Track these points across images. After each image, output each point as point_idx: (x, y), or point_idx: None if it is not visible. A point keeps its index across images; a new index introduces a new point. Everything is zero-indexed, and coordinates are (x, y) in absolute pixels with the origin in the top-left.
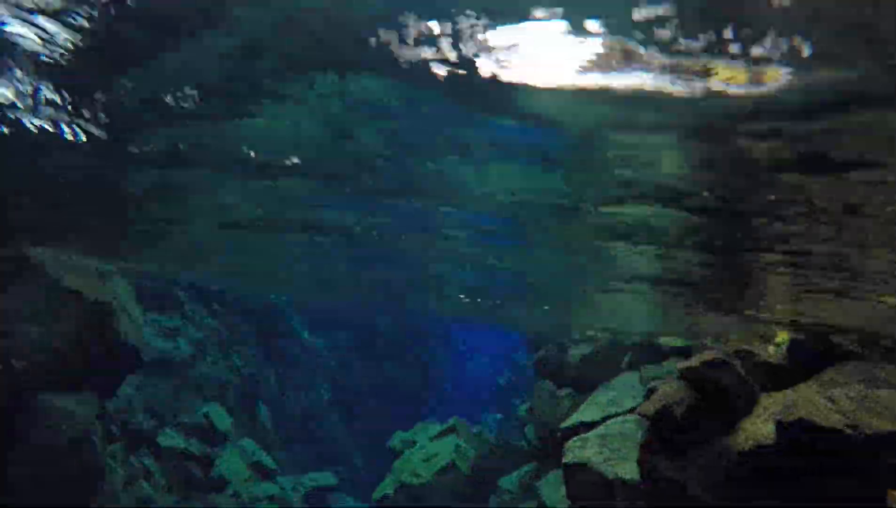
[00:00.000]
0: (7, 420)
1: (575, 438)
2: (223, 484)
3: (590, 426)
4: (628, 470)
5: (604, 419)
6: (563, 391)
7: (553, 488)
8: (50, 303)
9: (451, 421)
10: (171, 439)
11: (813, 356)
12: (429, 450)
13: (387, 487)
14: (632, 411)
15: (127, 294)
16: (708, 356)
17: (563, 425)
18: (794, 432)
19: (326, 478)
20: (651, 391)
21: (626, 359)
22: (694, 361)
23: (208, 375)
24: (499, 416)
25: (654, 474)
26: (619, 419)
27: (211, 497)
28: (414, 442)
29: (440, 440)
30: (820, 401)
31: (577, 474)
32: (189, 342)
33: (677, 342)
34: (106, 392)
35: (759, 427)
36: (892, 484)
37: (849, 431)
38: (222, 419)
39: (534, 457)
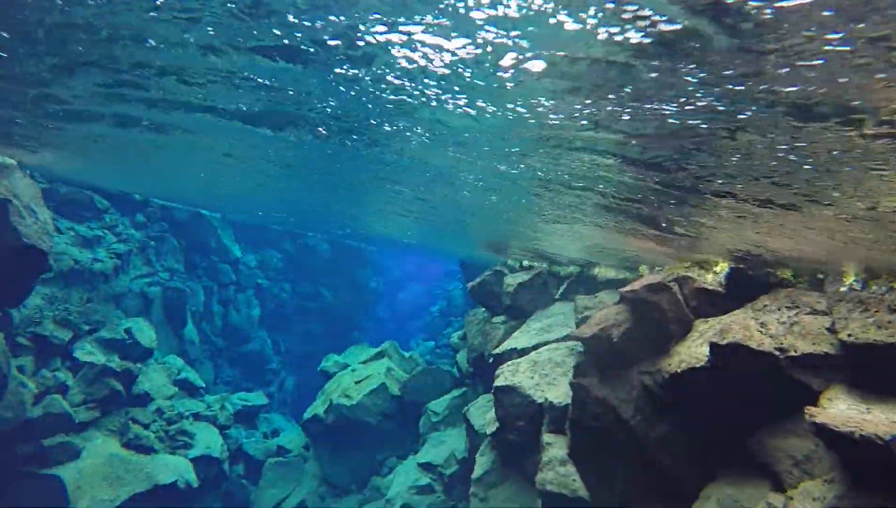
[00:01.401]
0: None
1: (508, 363)
2: (146, 401)
3: (522, 352)
4: (558, 395)
5: (536, 347)
6: (498, 319)
7: (481, 412)
8: None
9: (383, 345)
10: (89, 354)
11: (748, 283)
12: (360, 372)
13: (317, 407)
14: (565, 339)
15: (30, 193)
16: (649, 279)
17: (495, 351)
18: (726, 354)
19: (256, 397)
20: (585, 321)
21: (562, 289)
22: (635, 284)
23: (130, 288)
24: (430, 344)
25: (584, 395)
26: (552, 345)
27: (132, 413)
28: (346, 365)
29: (372, 362)
30: (752, 325)
31: (507, 397)
32: (109, 253)
33: (612, 274)
34: (9, 300)
35: (692, 350)
36: (812, 402)
37: (777, 353)
38: (146, 335)
39: (463, 383)
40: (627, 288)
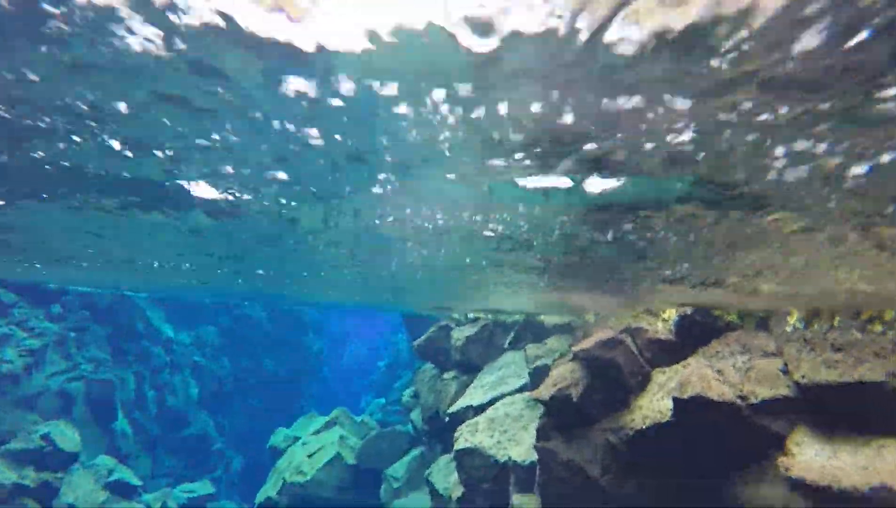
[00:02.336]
0: None
1: (467, 423)
2: None
3: (478, 409)
4: (520, 453)
5: (491, 402)
6: (449, 374)
7: (443, 474)
8: None
9: (333, 412)
10: None
11: (698, 329)
12: (312, 444)
13: (269, 490)
14: (520, 391)
15: None
16: (601, 335)
17: (451, 410)
18: (689, 407)
19: (202, 486)
20: (538, 371)
21: (510, 338)
22: (587, 342)
23: (48, 387)
24: (381, 401)
25: (550, 458)
26: (507, 400)
27: None
28: (296, 438)
29: (323, 432)
30: (710, 374)
31: (469, 459)
32: (19, 351)
33: (557, 319)
34: None
35: (654, 404)
36: (779, 447)
37: (738, 402)
38: (68, 438)
39: (420, 443)
40: (580, 346)
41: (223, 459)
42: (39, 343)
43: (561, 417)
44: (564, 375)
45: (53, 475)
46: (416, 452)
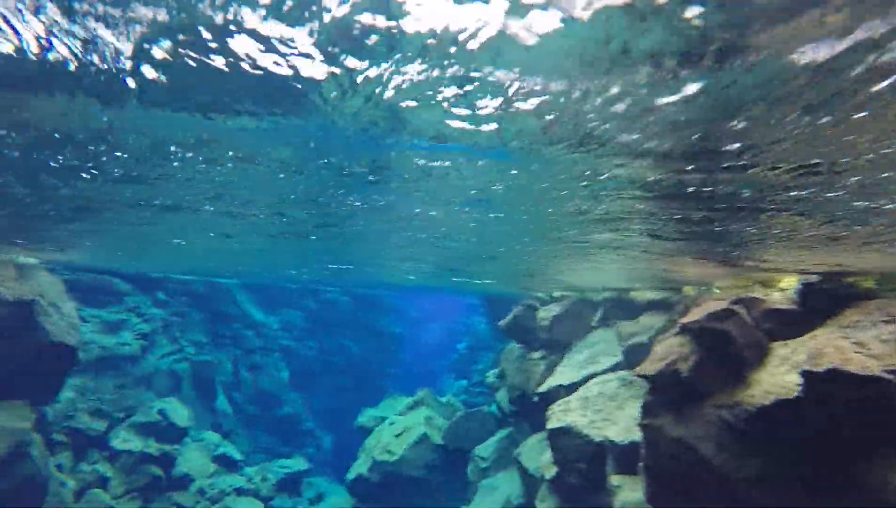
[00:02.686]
0: None
1: (558, 402)
2: (187, 483)
3: (569, 388)
4: (617, 432)
5: (583, 381)
6: (536, 354)
7: (533, 453)
8: None
9: (419, 393)
10: (125, 441)
11: (826, 298)
12: (399, 425)
13: (360, 466)
14: (612, 370)
15: (55, 290)
16: (712, 306)
17: (540, 390)
18: (822, 382)
19: (297, 463)
20: (633, 349)
21: (598, 316)
22: (696, 313)
23: (159, 368)
24: (464, 382)
25: (658, 436)
26: (599, 379)
27: (175, 498)
28: (383, 418)
29: (409, 413)
30: (847, 346)
31: (563, 439)
32: (135, 335)
33: (652, 296)
34: (42, 398)
35: (776, 379)
36: None
37: (888, 377)
38: (179, 414)
39: (506, 423)
40: (689, 319)
41: (314, 437)
42: (150, 328)
43: (669, 393)
44: (672, 349)
45: (170, 446)
46: (503, 432)
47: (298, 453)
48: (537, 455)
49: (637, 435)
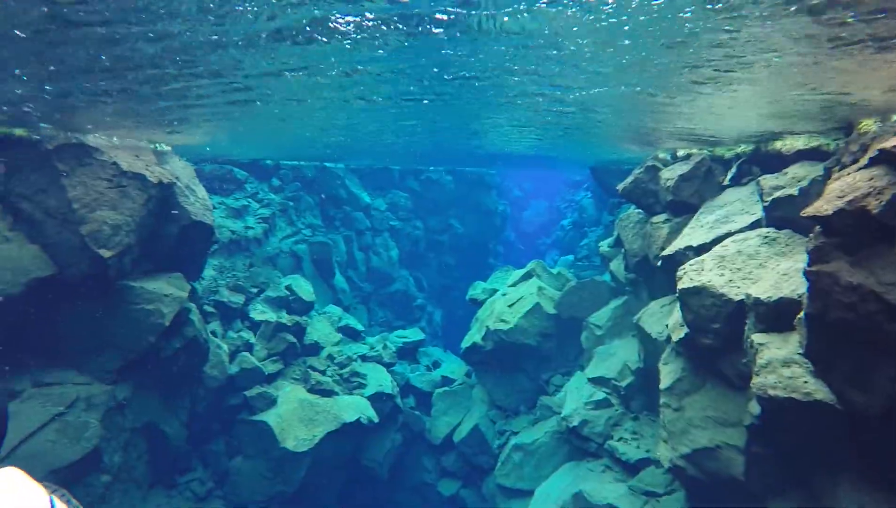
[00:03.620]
0: (110, 309)
1: (691, 262)
2: (317, 349)
3: (700, 249)
4: (763, 289)
5: (715, 241)
6: (659, 218)
7: (655, 318)
8: (116, 188)
9: (529, 265)
10: (262, 313)
11: None
12: (511, 296)
13: (474, 335)
14: (750, 228)
15: (187, 174)
16: None
17: (665, 252)
18: None
19: (414, 333)
20: (778, 203)
21: (731, 174)
22: None
23: (281, 249)
24: (570, 257)
25: (830, 283)
26: (736, 237)
27: (309, 362)
28: (494, 290)
29: (521, 284)
30: None
31: (696, 299)
32: (257, 219)
33: (801, 144)
34: (191, 274)
35: None
36: None
37: None
38: (305, 290)
39: (623, 292)
40: (891, 144)
41: (425, 312)
42: (269, 212)
43: (848, 236)
44: (856, 184)
45: (300, 317)
46: (618, 301)
47: (411, 326)
48: (660, 320)
49: (786, 292)
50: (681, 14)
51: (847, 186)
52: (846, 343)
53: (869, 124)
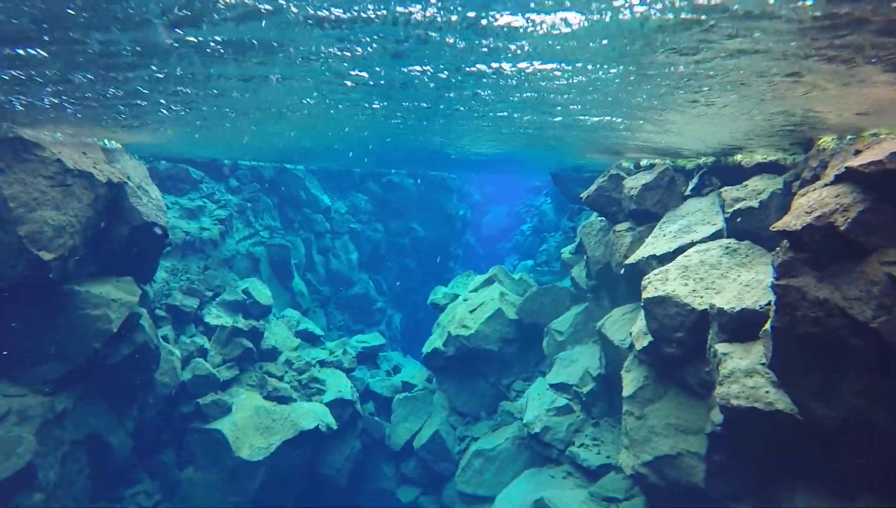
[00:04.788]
0: (51, 315)
1: (655, 271)
2: (275, 355)
3: (662, 258)
4: (727, 300)
5: (678, 251)
6: (622, 226)
7: (618, 326)
8: (59, 187)
9: (491, 270)
10: (217, 317)
11: None
12: (473, 301)
13: (435, 341)
14: (712, 238)
15: (139, 173)
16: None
17: (629, 261)
18: None
19: (374, 338)
20: (739, 214)
21: (692, 184)
22: (870, 155)
23: (238, 251)
24: (529, 262)
25: (797, 297)
26: (698, 247)
27: (266, 367)
28: (455, 296)
29: (483, 289)
30: None
31: (660, 308)
32: (213, 220)
33: (760, 157)
34: (143, 277)
35: None
36: None
37: None
38: (262, 293)
39: (582, 299)
40: (860, 162)
41: (385, 316)
42: (226, 213)
43: (815, 250)
44: (824, 200)
45: (257, 322)
46: (579, 307)
47: (370, 330)
48: (622, 327)
49: (748, 303)
50: (650, 57)
51: (815, 202)
52: (811, 357)
53: (827, 141)
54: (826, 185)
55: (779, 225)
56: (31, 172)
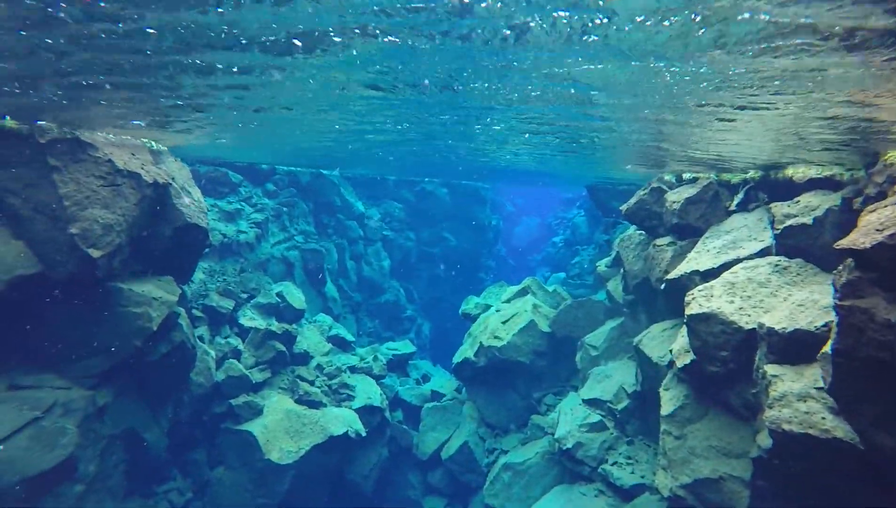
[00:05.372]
0: (96, 311)
1: (700, 287)
2: (306, 359)
3: (706, 275)
4: (777, 319)
5: (723, 267)
6: (663, 240)
7: (656, 342)
8: (110, 187)
9: (525, 281)
10: (251, 319)
11: None
12: (505, 312)
13: (466, 351)
14: (759, 255)
15: (183, 175)
16: None
17: (669, 276)
18: None
19: (404, 346)
20: (791, 231)
21: (737, 199)
22: None
23: (273, 254)
24: (561, 275)
25: (864, 320)
26: (745, 264)
27: (298, 371)
28: (488, 306)
29: (516, 300)
30: None
31: (704, 325)
32: (250, 223)
33: (814, 173)
34: (182, 277)
35: None
36: None
37: None
38: (296, 297)
39: (617, 313)
40: None
41: (414, 324)
42: (262, 217)
43: (886, 270)
44: None
45: (290, 325)
46: (614, 322)
47: (400, 338)
48: (661, 344)
49: (802, 324)
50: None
51: (887, 219)
52: (876, 382)
53: (894, 156)
54: None
55: (844, 243)
56: (84, 171)
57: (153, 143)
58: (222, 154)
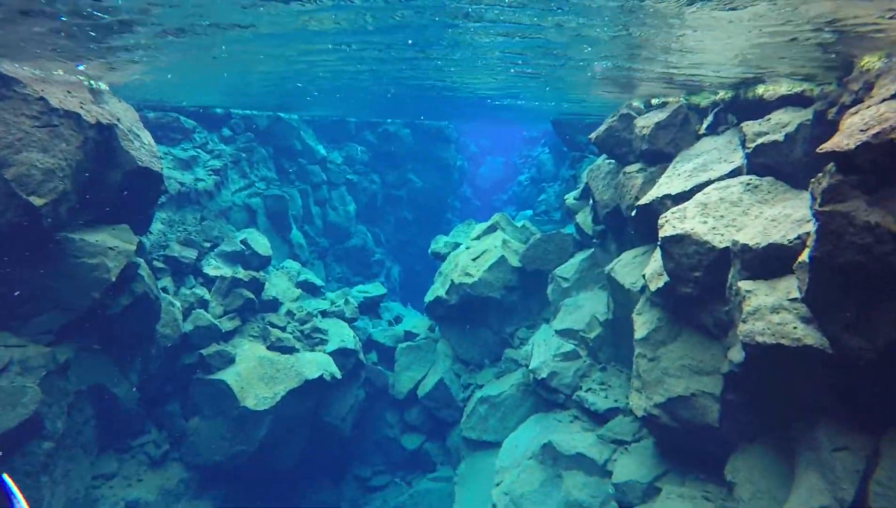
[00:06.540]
0: (47, 265)
1: (672, 210)
2: (276, 305)
3: (678, 198)
4: (752, 236)
5: (694, 190)
6: (632, 168)
7: (628, 269)
8: (45, 127)
9: (493, 217)
10: (216, 268)
11: None
12: (475, 249)
13: (437, 290)
14: (730, 176)
15: (130, 117)
16: None
17: (640, 202)
18: None
19: (375, 288)
20: (762, 149)
21: (707, 122)
22: None
23: (234, 202)
24: (528, 212)
25: (843, 224)
26: (717, 185)
27: (268, 318)
28: (457, 244)
29: (485, 237)
30: None
31: (678, 247)
32: (207, 170)
33: (784, 89)
34: (139, 226)
35: None
36: None
37: None
38: (261, 244)
39: (587, 245)
40: None
41: (383, 267)
42: (220, 163)
43: (869, 172)
44: (883, 116)
45: (257, 273)
46: (585, 254)
47: (369, 282)
48: (633, 271)
49: (775, 238)
50: None
51: (871, 118)
52: (852, 287)
53: (872, 61)
54: (884, 100)
55: (828, 146)
56: (12, 110)
57: (91, 82)
58: (168, 96)
